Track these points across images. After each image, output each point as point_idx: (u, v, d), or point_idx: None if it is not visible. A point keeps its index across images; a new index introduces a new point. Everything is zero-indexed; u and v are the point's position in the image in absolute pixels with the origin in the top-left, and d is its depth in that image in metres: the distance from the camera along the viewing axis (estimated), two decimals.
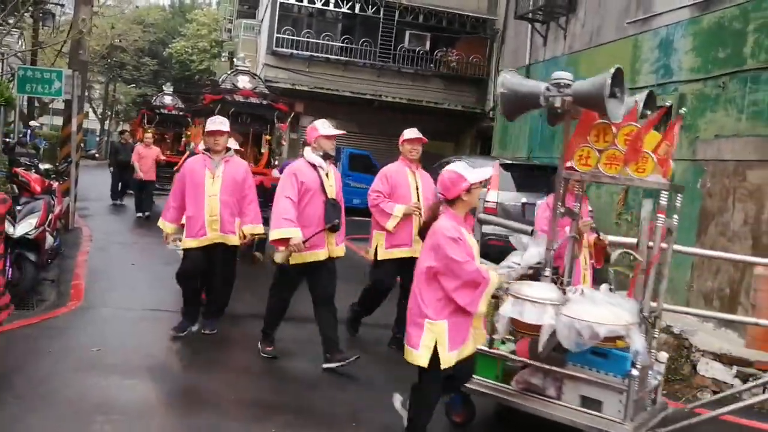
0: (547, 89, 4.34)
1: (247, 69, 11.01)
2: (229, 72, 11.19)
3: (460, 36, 22.12)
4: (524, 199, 10.28)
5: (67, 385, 4.91)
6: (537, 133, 14.66)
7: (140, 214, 14.39)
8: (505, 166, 10.86)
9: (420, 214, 6.05)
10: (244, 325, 6.89)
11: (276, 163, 10.83)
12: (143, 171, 14.51)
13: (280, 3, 21.24)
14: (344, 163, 20.05)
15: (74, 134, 11.72)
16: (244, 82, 10.57)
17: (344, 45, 21.56)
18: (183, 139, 16.43)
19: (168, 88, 19.10)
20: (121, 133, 20.42)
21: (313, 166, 5.59)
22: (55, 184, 9.40)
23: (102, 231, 12.17)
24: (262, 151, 10.90)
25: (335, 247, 5.70)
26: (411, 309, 4.04)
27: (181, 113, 17.39)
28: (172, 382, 5.25)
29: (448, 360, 3.91)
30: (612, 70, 4.14)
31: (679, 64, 10.31)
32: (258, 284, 7.63)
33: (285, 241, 5.35)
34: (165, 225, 6.37)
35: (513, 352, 4.65)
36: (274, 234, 5.37)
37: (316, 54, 21.43)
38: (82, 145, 13.93)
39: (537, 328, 4.10)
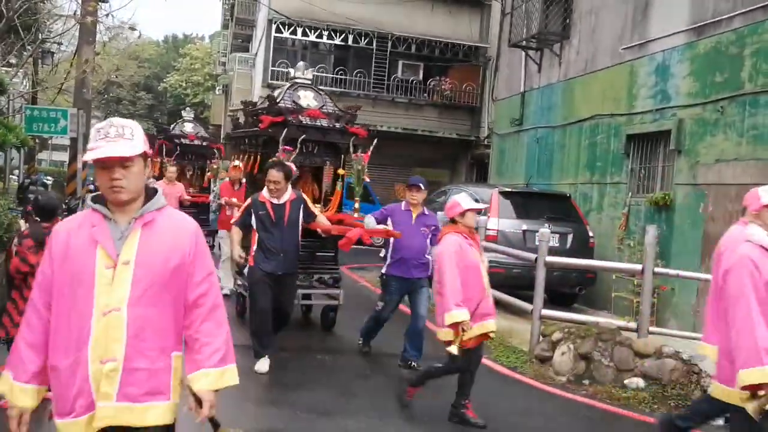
0: None
1: (307, 82, 8.39)
2: (291, 79, 8.51)
3: (453, 64, 22.37)
4: (525, 227, 10.33)
5: None
6: (534, 159, 14.78)
7: None
8: (504, 194, 10.92)
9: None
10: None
11: (357, 206, 8.39)
12: None
13: (275, 37, 21.48)
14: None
15: (80, 171, 11.83)
16: (308, 99, 8.10)
17: (338, 76, 21.77)
18: (207, 173, 14.57)
19: (188, 114, 16.34)
20: None
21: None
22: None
23: None
24: (337, 188, 8.32)
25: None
26: None
27: (204, 143, 15.11)
28: (185, 416, 5.20)
29: None
30: None
31: (676, 89, 10.44)
32: None
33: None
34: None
35: None
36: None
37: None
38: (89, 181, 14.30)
39: None
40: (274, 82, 21.34)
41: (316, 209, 6.83)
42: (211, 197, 12.13)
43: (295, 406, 5.47)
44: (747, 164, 8.92)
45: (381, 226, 6.68)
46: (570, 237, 10.45)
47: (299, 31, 21.34)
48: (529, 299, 7.63)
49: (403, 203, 6.76)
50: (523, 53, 15.47)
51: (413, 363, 6.50)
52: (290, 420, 5.20)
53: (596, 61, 12.78)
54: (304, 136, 7.61)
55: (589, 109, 12.79)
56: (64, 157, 13.96)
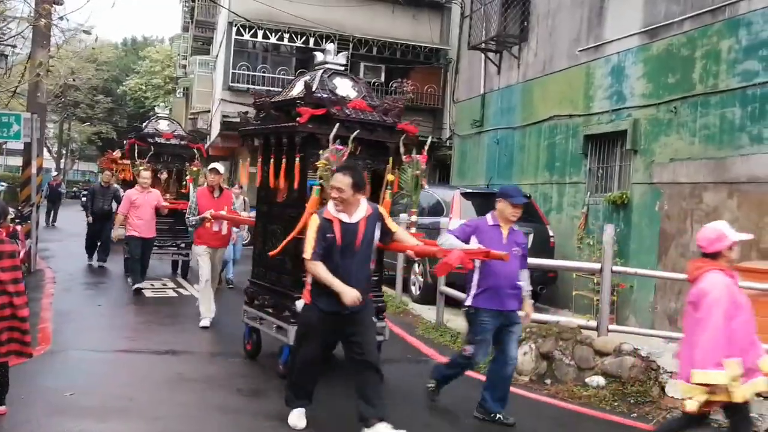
0: None
1: (341, 68, 6.90)
2: (316, 67, 6.91)
3: (415, 66, 22.47)
4: None
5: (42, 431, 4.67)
6: (495, 160, 14.93)
7: (138, 285, 10.23)
8: (465, 195, 11.05)
9: None
10: (222, 365, 6.85)
11: (414, 219, 7.05)
12: (136, 226, 10.16)
13: (235, 39, 21.33)
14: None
15: (34, 177, 11.58)
16: (346, 88, 6.66)
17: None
18: (187, 177, 12.59)
19: (162, 110, 14.45)
20: (101, 171, 16.92)
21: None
22: (19, 228, 9.25)
23: (65, 272, 11.97)
24: (386, 198, 6.51)
25: None
26: None
27: (182, 142, 13.10)
28: (149, 425, 5.17)
29: None
30: None
31: (631, 91, 10.66)
32: None
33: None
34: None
35: None
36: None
37: (272, 88, 21.52)
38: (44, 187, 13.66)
39: None
40: (236, 84, 21.24)
41: (394, 224, 5.34)
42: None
43: (258, 413, 5.47)
44: (700, 163, 9.15)
45: (473, 246, 5.32)
46: (531, 237, 10.59)
47: (260, 33, 21.22)
48: None
49: (489, 217, 5.56)
50: (483, 55, 15.63)
51: (499, 416, 5.52)
52: (252, 428, 5.21)
53: (554, 62, 12.98)
54: (357, 132, 6.11)
55: (548, 110, 12.98)
56: (20, 162, 13.50)
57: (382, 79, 22.35)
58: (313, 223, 4.84)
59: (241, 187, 13.80)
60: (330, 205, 4.88)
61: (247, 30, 21.10)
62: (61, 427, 4.91)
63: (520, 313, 5.52)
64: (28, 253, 10.96)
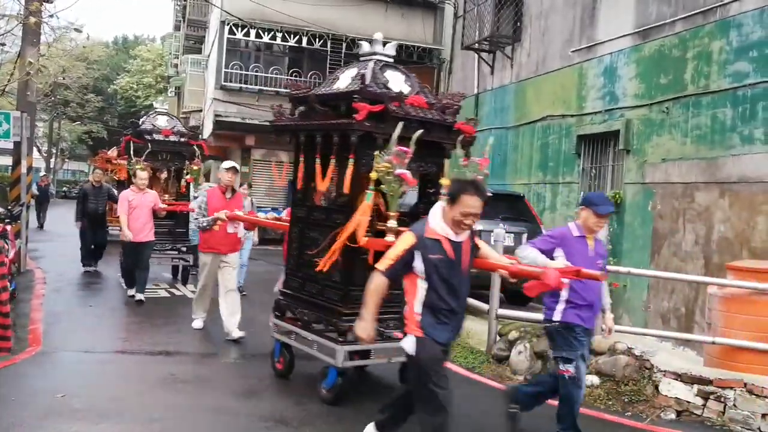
0: None
1: (390, 59, 6.27)
2: (362, 58, 6.28)
3: (408, 66, 22.38)
4: (480, 227, 10.37)
5: None
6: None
7: (140, 297, 9.59)
8: None
9: None
10: (215, 366, 6.82)
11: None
12: (135, 228, 9.45)
13: (228, 38, 21.27)
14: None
15: (24, 176, 11.50)
16: (398, 82, 6.04)
17: (293, 78, 21.67)
18: (186, 176, 11.87)
19: (161, 105, 13.27)
20: (94, 171, 15.74)
21: None
22: (8, 228, 9.18)
23: (55, 272, 11.90)
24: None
25: None
26: None
27: (182, 139, 12.02)
28: (142, 426, 5.15)
29: None
30: None
31: (624, 91, 10.69)
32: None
33: None
34: None
35: None
36: None
37: (265, 87, 21.51)
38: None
39: None
40: (228, 83, 21.18)
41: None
42: (194, 207, 8.70)
43: (252, 414, 5.45)
44: (692, 163, 9.18)
45: (560, 263, 4.69)
46: (524, 236, 10.59)
47: (252, 32, 21.17)
48: (486, 299, 7.67)
49: (573, 227, 5.01)
50: (476, 55, 15.65)
51: None
52: (246, 429, 5.19)
53: (547, 63, 13.00)
54: (421, 131, 5.44)
55: (541, 110, 13.00)
56: (9, 161, 13.27)
57: None
58: (406, 240, 4.10)
59: (250, 186, 12.72)
60: (434, 222, 4.12)
61: (239, 29, 21.05)
62: (53, 429, 4.87)
63: (603, 327, 5.17)
64: (18, 253, 10.88)
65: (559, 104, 12.41)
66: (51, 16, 13.49)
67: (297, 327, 6.06)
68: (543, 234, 5.13)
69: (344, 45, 21.77)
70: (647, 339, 7.34)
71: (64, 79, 32.85)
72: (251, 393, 5.94)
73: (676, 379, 6.06)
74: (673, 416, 5.94)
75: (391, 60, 6.18)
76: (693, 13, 9.37)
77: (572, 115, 11.99)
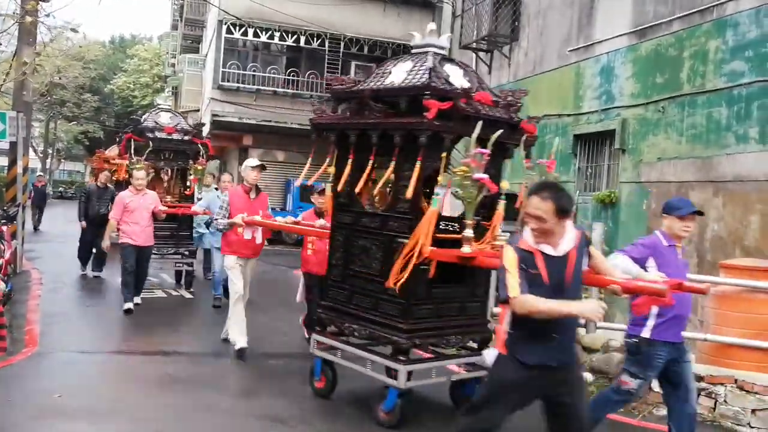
0: None
1: (445, 52, 5.72)
2: (413, 50, 5.64)
3: None
4: None
5: None
6: None
7: (137, 300, 9.17)
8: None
9: None
10: (212, 366, 6.84)
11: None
12: (130, 233, 8.84)
13: (225, 38, 21.28)
14: (296, 195, 20.08)
15: (20, 176, 11.49)
16: (458, 77, 5.48)
17: (290, 78, 21.70)
18: (190, 177, 11.13)
19: (164, 101, 12.66)
20: (92, 171, 15.37)
21: None
22: (4, 228, 9.18)
23: (51, 273, 11.88)
24: (498, 209, 5.98)
25: None
26: None
27: (186, 137, 11.12)
28: (138, 426, 5.16)
29: None
30: None
31: (620, 90, 10.72)
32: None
33: None
34: None
35: None
36: None
37: (262, 87, 21.52)
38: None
39: None
40: (226, 83, 21.19)
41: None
42: (198, 210, 9.20)
43: (249, 413, 5.46)
44: (687, 162, 9.22)
45: (654, 274, 4.31)
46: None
47: (250, 32, 21.19)
48: None
49: (661, 235, 4.66)
50: (474, 55, 15.65)
51: None
52: (243, 428, 5.20)
53: (544, 62, 13.02)
54: (500, 131, 5.05)
55: (538, 110, 12.97)
56: (5, 161, 13.20)
57: None
58: (509, 255, 3.61)
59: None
60: (526, 233, 3.65)
61: (237, 28, 21.06)
62: (50, 430, 4.89)
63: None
64: (14, 253, 10.88)
65: (555, 103, 12.43)
66: (47, 15, 13.49)
67: (344, 343, 5.53)
68: (635, 242, 4.75)
69: (342, 44, 21.79)
70: None
71: (60, 78, 32.79)
72: (248, 392, 5.96)
73: None
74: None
75: (446, 53, 5.68)
76: (690, 12, 9.39)
77: (569, 115, 12.02)
